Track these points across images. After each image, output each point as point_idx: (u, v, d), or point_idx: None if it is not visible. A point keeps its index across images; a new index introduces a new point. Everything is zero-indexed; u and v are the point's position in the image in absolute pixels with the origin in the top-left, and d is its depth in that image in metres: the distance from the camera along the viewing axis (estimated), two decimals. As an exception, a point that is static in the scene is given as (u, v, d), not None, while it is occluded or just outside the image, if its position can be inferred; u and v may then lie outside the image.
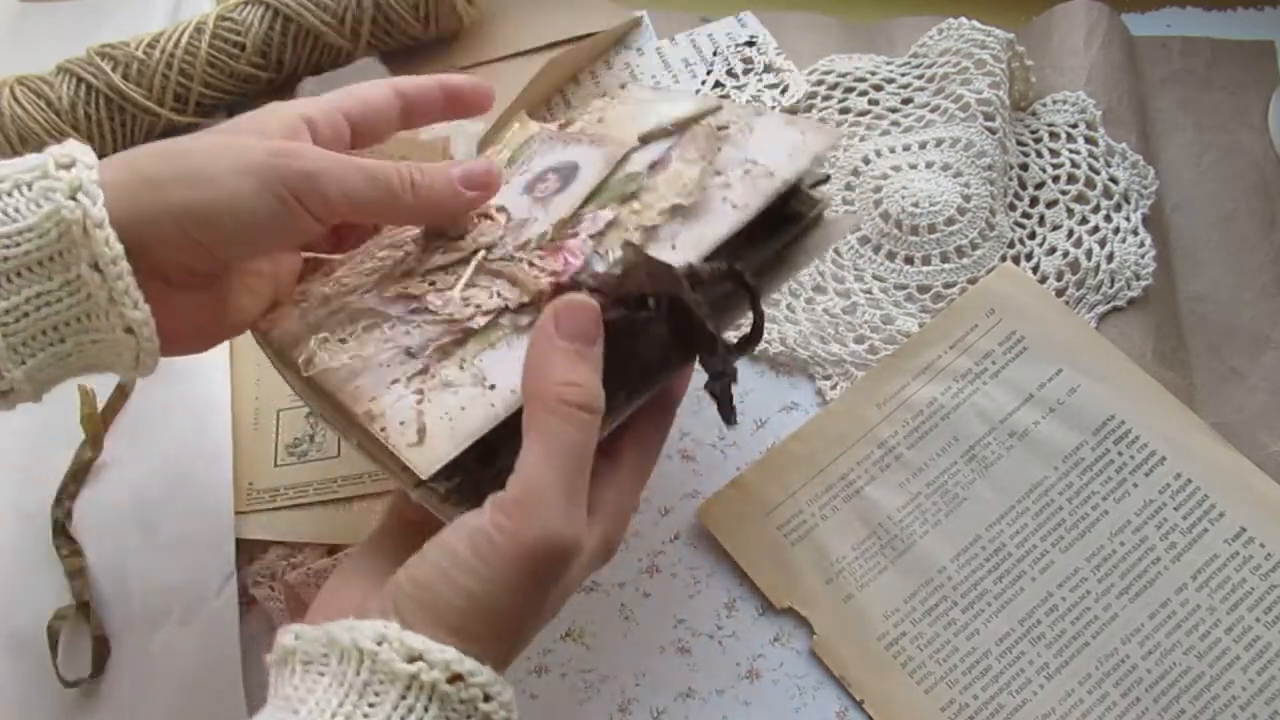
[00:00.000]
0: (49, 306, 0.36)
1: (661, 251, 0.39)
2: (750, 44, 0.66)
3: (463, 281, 0.40)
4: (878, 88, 0.64)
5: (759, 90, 0.64)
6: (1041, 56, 0.63)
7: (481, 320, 0.39)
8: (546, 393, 0.34)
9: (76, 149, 0.37)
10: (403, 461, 0.36)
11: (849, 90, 0.64)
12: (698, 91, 0.65)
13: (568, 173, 0.44)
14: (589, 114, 0.48)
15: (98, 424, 0.54)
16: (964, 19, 0.63)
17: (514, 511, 0.33)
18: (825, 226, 0.45)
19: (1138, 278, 0.56)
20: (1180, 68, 0.65)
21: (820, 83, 0.64)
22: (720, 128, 0.44)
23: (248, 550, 0.51)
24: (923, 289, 0.57)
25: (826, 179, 0.46)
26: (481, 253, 0.41)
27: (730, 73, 0.65)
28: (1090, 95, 0.61)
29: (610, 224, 0.41)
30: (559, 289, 0.38)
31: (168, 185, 0.37)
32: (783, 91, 0.64)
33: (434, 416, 0.37)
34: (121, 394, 0.55)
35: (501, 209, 0.43)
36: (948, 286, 0.57)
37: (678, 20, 0.69)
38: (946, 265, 0.57)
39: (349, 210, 0.39)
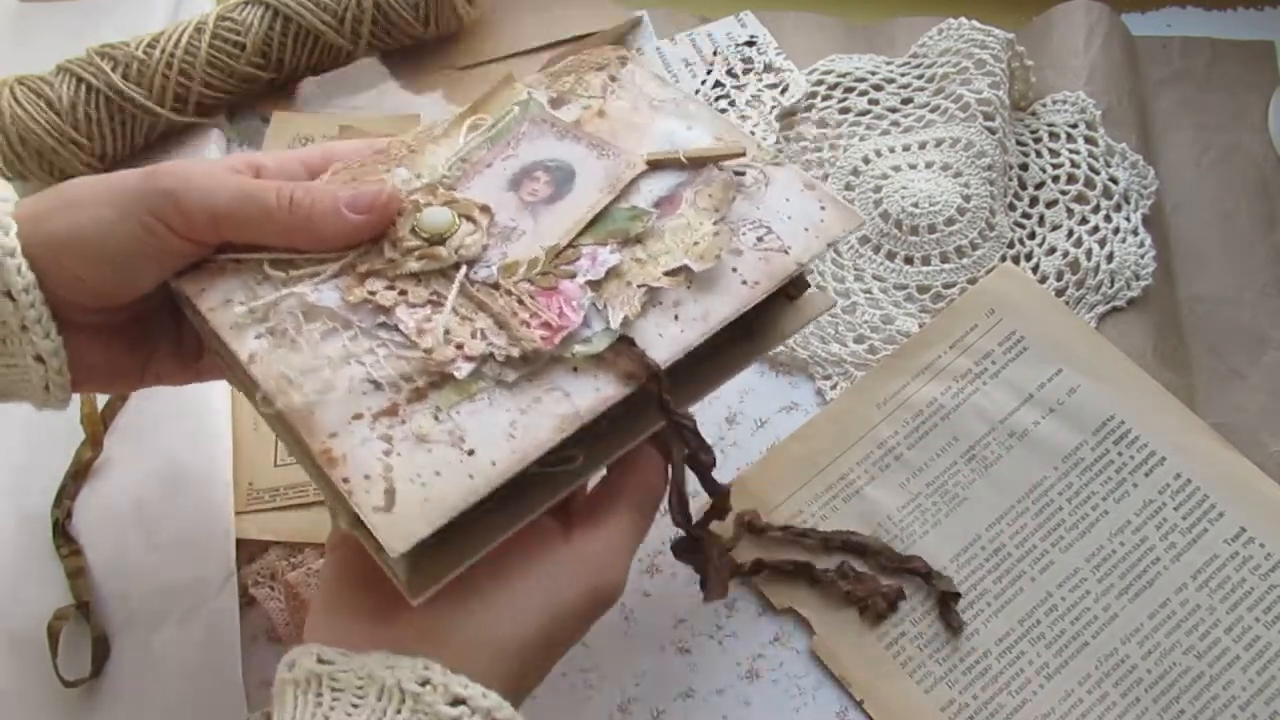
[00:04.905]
0: None
1: (664, 322, 0.37)
2: (750, 44, 0.66)
3: (447, 311, 0.36)
4: (878, 88, 0.64)
5: (759, 90, 0.64)
6: (1041, 56, 0.63)
7: (464, 368, 0.35)
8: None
9: None
10: (365, 523, 0.33)
11: (849, 90, 0.64)
12: (697, 91, 0.65)
13: (562, 176, 0.40)
14: (586, 94, 0.44)
15: (97, 424, 0.54)
16: (964, 19, 0.63)
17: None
18: (803, 304, 0.43)
19: (1138, 278, 0.56)
20: (1180, 68, 0.65)
21: (820, 83, 0.64)
22: (736, 172, 0.41)
23: (248, 550, 0.51)
24: (923, 289, 0.57)
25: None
26: (464, 270, 0.37)
27: (730, 73, 0.65)
28: (1090, 95, 0.61)
29: (612, 271, 0.37)
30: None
31: (46, 216, 0.37)
32: (783, 91, 0.64)
33: (404, 477, 0.33)
34: (121, 394, 0.55)
35: (485, 209, 0.39)
36: (948, 286, 0.57)
37: (678, 20, 0.69)
38: (946, 265, 0.57)
39: (216, 228, 0.37)
